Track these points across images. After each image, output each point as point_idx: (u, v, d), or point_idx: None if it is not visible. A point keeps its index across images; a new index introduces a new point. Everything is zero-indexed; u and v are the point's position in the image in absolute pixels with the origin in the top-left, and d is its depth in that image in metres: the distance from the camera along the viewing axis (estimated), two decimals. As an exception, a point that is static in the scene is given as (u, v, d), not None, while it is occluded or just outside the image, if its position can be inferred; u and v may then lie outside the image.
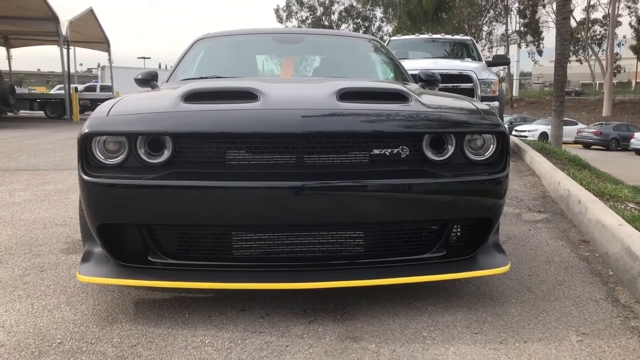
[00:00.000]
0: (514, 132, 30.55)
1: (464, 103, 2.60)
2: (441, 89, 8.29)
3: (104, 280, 2.27)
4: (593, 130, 29.64)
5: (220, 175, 2.17)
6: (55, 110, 22.80)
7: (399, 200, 2.25)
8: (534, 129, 30.71)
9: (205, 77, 3.49)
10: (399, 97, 2.45)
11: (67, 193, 5.27)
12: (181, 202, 2.16)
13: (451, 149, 2.33)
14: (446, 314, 2.36)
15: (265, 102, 2.28)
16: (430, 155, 2.32)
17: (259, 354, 2.02)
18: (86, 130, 2.18)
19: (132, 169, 2.22)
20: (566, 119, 16.66)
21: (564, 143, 12.97)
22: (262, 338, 2.14)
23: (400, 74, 3.89)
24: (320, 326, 2.24)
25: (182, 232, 2.31)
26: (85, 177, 2.17)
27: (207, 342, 2.11)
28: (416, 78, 3.93)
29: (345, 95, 2.37)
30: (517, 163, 7.70)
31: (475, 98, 8.10)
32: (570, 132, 25.96)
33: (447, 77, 8.09)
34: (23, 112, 24.42)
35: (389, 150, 2.28)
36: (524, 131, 30.81)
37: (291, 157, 2.20)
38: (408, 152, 2.30)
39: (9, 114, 21.62)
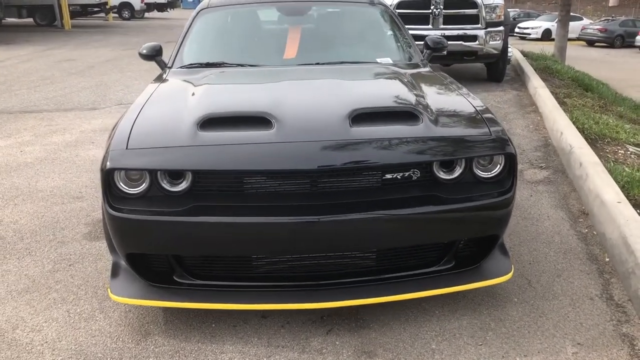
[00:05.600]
0: (516, 30, 29.82)
1: (471, 112, 2.63)
2: (446, 17, 8.10)
3: (135, 301, 2.44)
4: (598, 27, 28.75)
5: (239, 210, 2.27)
6: (45, 17, 22.08)
7: (411, 228, 2.37)
8: (538, 26, 29.91)
9: (213, 64, 3.48)
10: (410, 116, 2.50)
11: (76, 148, 5.35)
12: (205, 237, 2.28)
13: (460, 169, 2.42)
14: (453, 319, 2.56)
15: (280, 131, 2.34)
16: (440, 175, 2.41)
17: (284, 374, 2.23)
18: (109, 166, 2.26)
19: (154, 198, 2.32)
20: (571, 14, 16.15)
21: (567, 40, 12.88)
22: (285, 354, 2.34)
23: (407, 45, 3.87)
24: (338, 338, 2.44)
25: (206, 257, 2.45)
26: (112, 212, 2.27)
27: (235, 360, 2.32)
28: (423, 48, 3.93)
29: (357, 117, 2.42)
30: (520, 93, 7.69)
31: (480, 24, 7.94)
32: (574, 28, 25.14)
33: (452, 4, 7.88)
34: (11, 19, 23.58)
35: (401, 174, 2.38)
36: (527, 28, 30.06)
37: (306, 187, 2.30)
38: (419, 175, 2.40)
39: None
